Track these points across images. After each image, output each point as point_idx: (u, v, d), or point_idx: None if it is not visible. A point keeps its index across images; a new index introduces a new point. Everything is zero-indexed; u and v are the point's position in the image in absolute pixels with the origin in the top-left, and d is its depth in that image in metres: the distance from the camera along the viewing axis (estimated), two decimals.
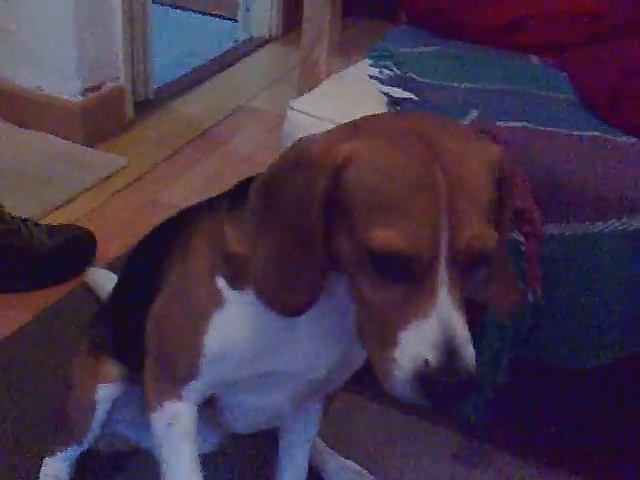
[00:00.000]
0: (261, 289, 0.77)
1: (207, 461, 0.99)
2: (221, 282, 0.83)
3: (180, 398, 0.90)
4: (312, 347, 0.85)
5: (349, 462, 1.25)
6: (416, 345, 0.67)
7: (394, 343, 0.68)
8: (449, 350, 0.66)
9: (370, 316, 0.71)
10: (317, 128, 0.86)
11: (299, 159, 0.73)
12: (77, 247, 1.66)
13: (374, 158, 0.70)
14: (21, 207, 1.72)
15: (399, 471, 1.26)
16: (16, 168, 2.01)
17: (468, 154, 0.71)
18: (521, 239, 1.10)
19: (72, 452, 1.13)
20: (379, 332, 0.70)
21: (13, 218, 1.60)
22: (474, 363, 0.68)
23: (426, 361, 0.66)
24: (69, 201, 1.93)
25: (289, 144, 0.78)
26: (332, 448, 1.26)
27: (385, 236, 0.67)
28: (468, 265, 0.70)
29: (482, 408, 1.20)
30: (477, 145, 0.74)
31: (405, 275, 0.68)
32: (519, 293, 0.84)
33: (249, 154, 2.28)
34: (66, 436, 1.12)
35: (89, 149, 2.16)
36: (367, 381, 1.33)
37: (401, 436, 1.32)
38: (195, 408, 0.92)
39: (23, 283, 1.59)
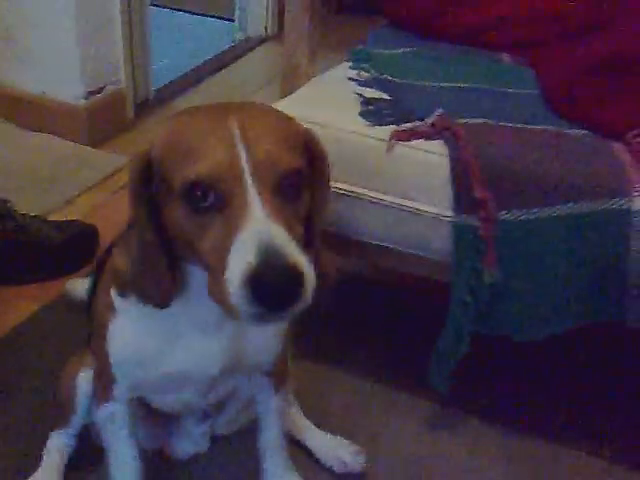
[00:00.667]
0: (130, 287, 0.89)
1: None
2: (113, 294, 0.95)
3: (112, 400, 1.04)
4: (200, 342, 0.95)
5: (333, 436, 1.33)
6: (239, 257, 0.73)
7: (225, 268, 0.74)
8: (269, 250, 0.72)
9: (204, 261, 0.79)
10: None
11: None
12: (82, 242, 1.78)
13: (173, 129, 0.81)
14: (29, 205, 1.84)
15: (373, 441, 1.37)
16: (24, 169, 2.13)
17: (266, 115, 0.83)
18: (479, 224, 1.22)
19: (70, 431, 1.24)
20: (215, 271, 0.76)
21: (23, 215, 1.72)
22: (297, 261, 0.72)
23: (249, 263, 0.71)
24: (74, 199, 2.04)
25: None
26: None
27: (190, 170, 0.76)
28: (278, 183, 0.77)
29: (447, 377, 1.32)
30: (281, 115, 0.85)
31: (221, 202, 0.76)
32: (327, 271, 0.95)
33: None
34: (59, 418, 1.24)
35: (93, 149, 2.28)
36: (340, 355, 1.49)
37: (375, 407, 1.44)
38: (127, 407, 1.06)
39: (33, 275, 1.71)
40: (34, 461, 1.25)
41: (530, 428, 1.42)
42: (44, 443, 1.26)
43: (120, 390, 1.04)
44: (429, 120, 1.28)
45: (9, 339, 1.55)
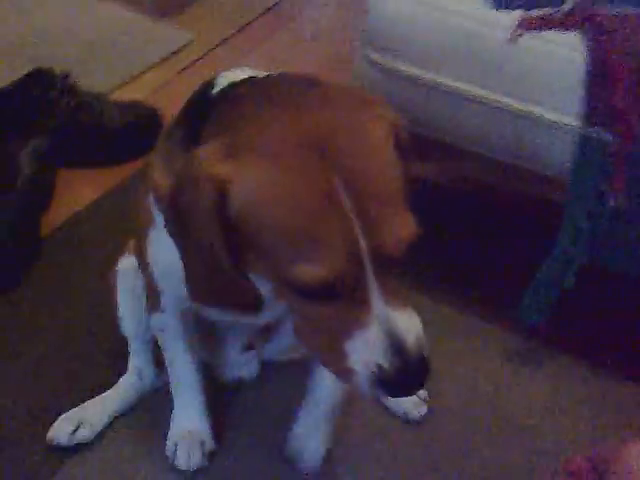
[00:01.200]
0: (199, 299, 0.79)
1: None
2: (151, 202, 0.84)
3: (162, 310, 0.98)
4: None
5: None
6: (366, 355, 0.68)
7: (344, 354, 0.69)
8: (398, 350, 0.68)
9: (309, 329, 0.72)
10: None
11: (186, 176, 0.69)
12: (145, 126, 1.65)
13: (260, 183, 0.65)
14: (90, 80, 1.70)
15: (449, 372, 1.26)
16: (87, 39, 1.98)
17: (363, 146, 0.67)
18: (612, 140, 1.04)
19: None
20: (323, 342, 0.71)
21: (85, 93, 1.59)
22: (420, 341, 0.69)
23: (380, 366, 0.68)
24: (135, 77, 1.89)
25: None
26: None
27: (302, 272, 0.65)
28: (399, 261, 0.68)
29: (545, 310, 1.18)
30: (371, 125, 0.68)
31: (335, 295, 0.67)
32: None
33: (319, 31, 2.19)
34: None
35: (159, 23, 2.11)
36: (414, 277, 1.34)
37: (453, 334, 1.32)
38: (178, 319, 0.99)
39: (94, 159, 1.60)
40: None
41: (619, 372, 1.28)
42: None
43: (167, 301, 0.96)
44: (566, 6, 1.07)
45: (70, 224, 1.46)
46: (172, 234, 0.73)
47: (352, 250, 0.64)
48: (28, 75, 1.55)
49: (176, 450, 1.08)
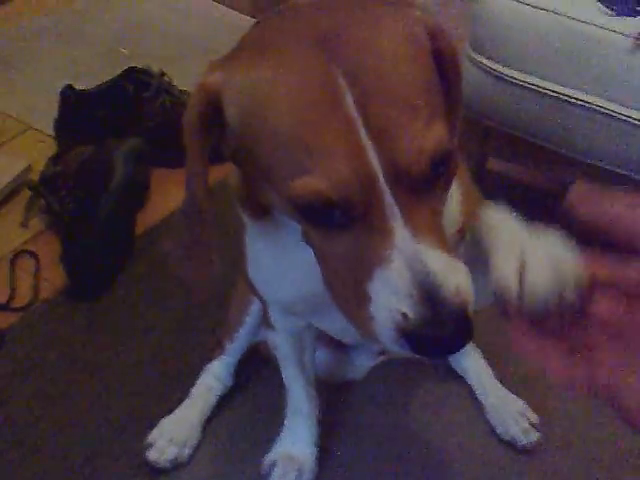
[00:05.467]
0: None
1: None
2: (236, 203, 0.76)
3: (273, 329, 0.94)
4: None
5: (511, 397, 1.14)
6: (388, 299, 0.54)
7: (366, 298, 0.56)
8: (427, 295, 0.53)
9: (331, 269, 0.60)
10: None
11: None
12: None
13: (252, 86, 0.55)
14: (186, 79, 1.70)
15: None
16: (183, 36, 1.99)
17: (377, 39, 0.54)
18: None
19: (229, 358, 1.15)
20: (347, 287, 0.58)
21: (181, 92, 1.59)
22: (464, 296, 0.54)
23: (404, 314, 0.54)
24: None
25: None
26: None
27: (302, 185, 0.53)
28: (421, 181, 0.54)
29: None
30: (388, 20, 0.56)
31: (348, 220, 0.55)
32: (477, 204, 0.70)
33: None
34: (217, 346, 1.15)
35: (252, 20, 2.10)
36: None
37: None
38: (289, 339, 0.95)
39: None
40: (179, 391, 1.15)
41: None
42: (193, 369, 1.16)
43: (275, 316, 0.92)
44: None
45: (164, 224, 1.44)
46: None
47: (358, 160, 0.52)
48: (122, 74, 1.56)
49: (271, 469, 1.04)
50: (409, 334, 0.54)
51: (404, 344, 0.55)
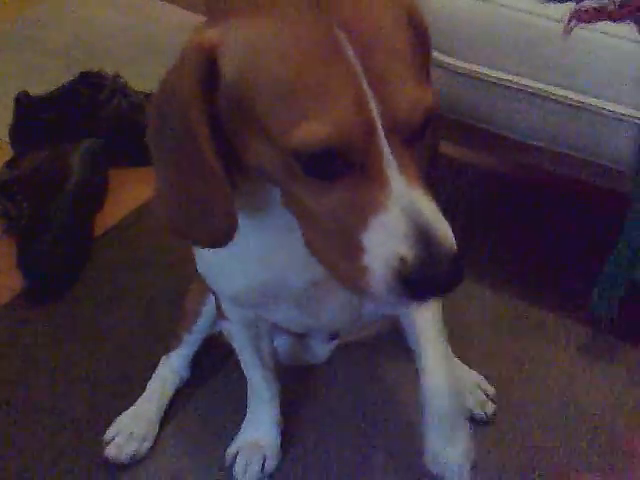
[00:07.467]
0: (171, 227, 0.70)
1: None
2: None
3: (226, 319, 0.97)
4: (276, 254, 0.77)
5: (466, 369, 1.18)
6: (386, 244, 0.57)
7: (360, 250, 0.58)
8: (424, 237, 0.57)
9: (320, 229, 0.61)
10: None
11: (175, 63, 0.61)
12: None
13: (251, 39, 0.57)
14: (142, 80, 1.71)
15: (517, 363, 1.23)
16: (138, 38, 2.00)
17: (374, 3, 0.58)
18: None
19: (185, 350, 1.16)
20: (337, 244, 0.60)
21: (136, 93, 1.60)
22: (452, 240, 0.58)
23: (402, 258, 0.57)
24: None
25: None
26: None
27: (305, 131, 0.55)
28: (413, 133, 0.59)
29: (614, 305, 1.13)
30: None
31: (346, 169, 0.58)
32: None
33: None
34: (173, 338, 1.17)
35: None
36: (481, 269, 1.31)
37: (524, 328, 1.28)
38: (243, 327, 0.97)
39: (146, 159, 1.60)
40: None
41: None
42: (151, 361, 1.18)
43: (228, 307, 0.94)
44: None
45: (122, 224, 1.48)
46: (151, 142, 0.67)
47: (360, 108, 0.55)
48: (76, 79, 1.57)
49: (235, 459, 1.06)
50: (406, 277, 0.57)
51: (400, 289, 0.58)
